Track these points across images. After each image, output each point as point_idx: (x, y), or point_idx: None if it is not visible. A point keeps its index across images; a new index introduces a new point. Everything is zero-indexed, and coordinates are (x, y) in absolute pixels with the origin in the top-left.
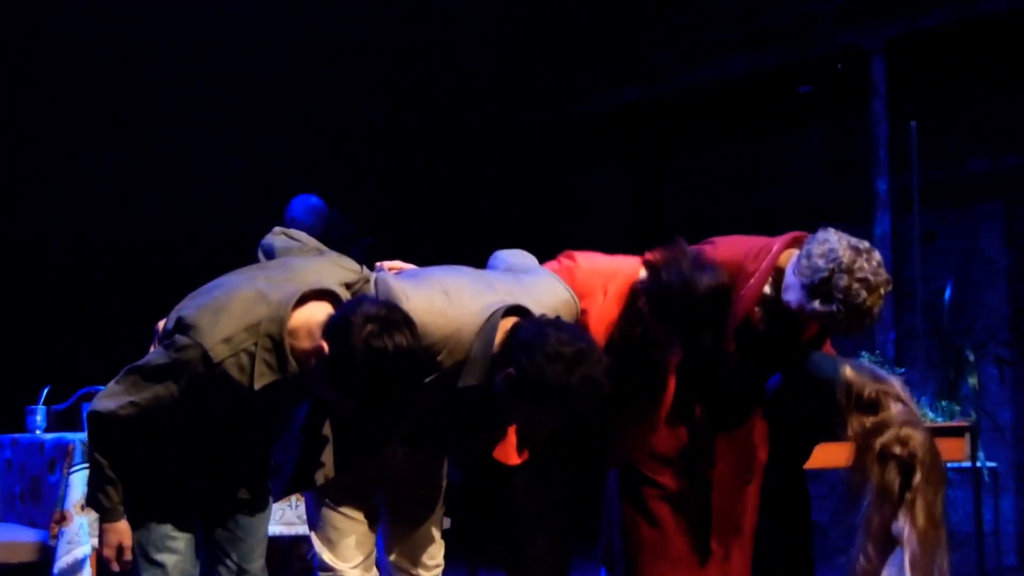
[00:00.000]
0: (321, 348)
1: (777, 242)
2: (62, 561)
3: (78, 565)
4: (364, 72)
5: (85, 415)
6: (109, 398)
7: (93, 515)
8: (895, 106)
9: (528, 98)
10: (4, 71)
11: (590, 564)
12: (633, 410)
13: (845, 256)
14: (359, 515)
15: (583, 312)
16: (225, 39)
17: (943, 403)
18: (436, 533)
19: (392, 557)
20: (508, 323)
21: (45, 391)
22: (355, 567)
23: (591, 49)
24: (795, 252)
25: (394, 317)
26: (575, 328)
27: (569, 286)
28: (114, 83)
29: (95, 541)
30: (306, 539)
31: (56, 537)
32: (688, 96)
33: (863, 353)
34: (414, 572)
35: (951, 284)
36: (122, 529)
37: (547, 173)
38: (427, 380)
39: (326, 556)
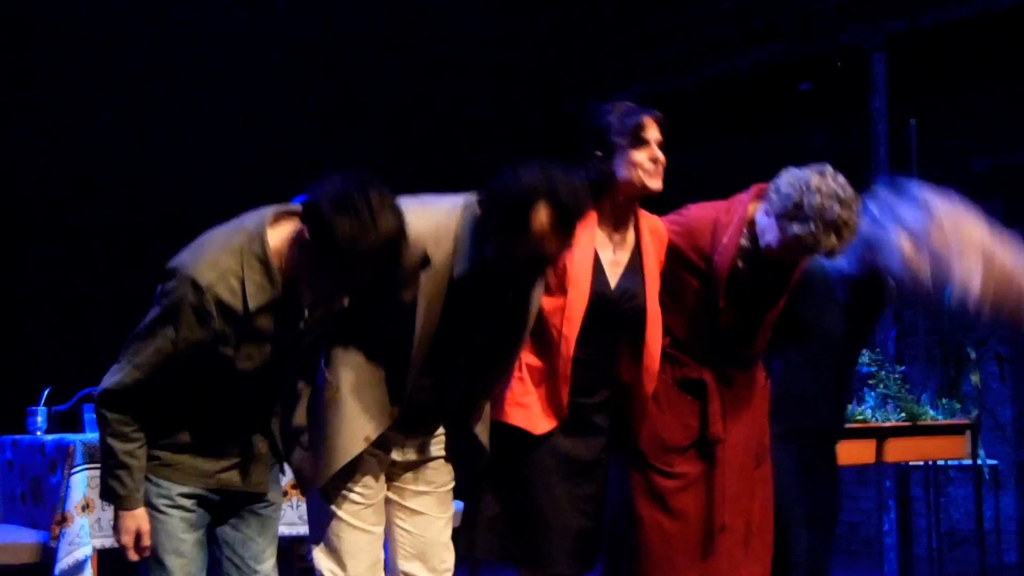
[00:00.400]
0: (301, 234)
1: (745, 194)
2: (63, 562)
3: (79, 566)
4: (362, 75)
5: (95, 396)
6: (113, 374)
7: (95, 516)
8: (895, 104)
9: (529, 96)
10: (5, 71)
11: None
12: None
13: (811, 178)
14: (366, 523)
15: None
16: (229, 38)
17: (944, 401)
18: (446, 536)
19: (401, 562)
20: None
21: (46, 392)
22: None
23: (591, 47)
24: (762, 203)
25: (361, 176)
26: None
27: None
28: (122, 78)
29: (96, 542)
30: (307, 538)
31: (57, 538)
32: (688, 94)
33: (863, 351)
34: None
35: None
36: (140, 515)
37: None
38: (424, 277)
39: (328, 570)
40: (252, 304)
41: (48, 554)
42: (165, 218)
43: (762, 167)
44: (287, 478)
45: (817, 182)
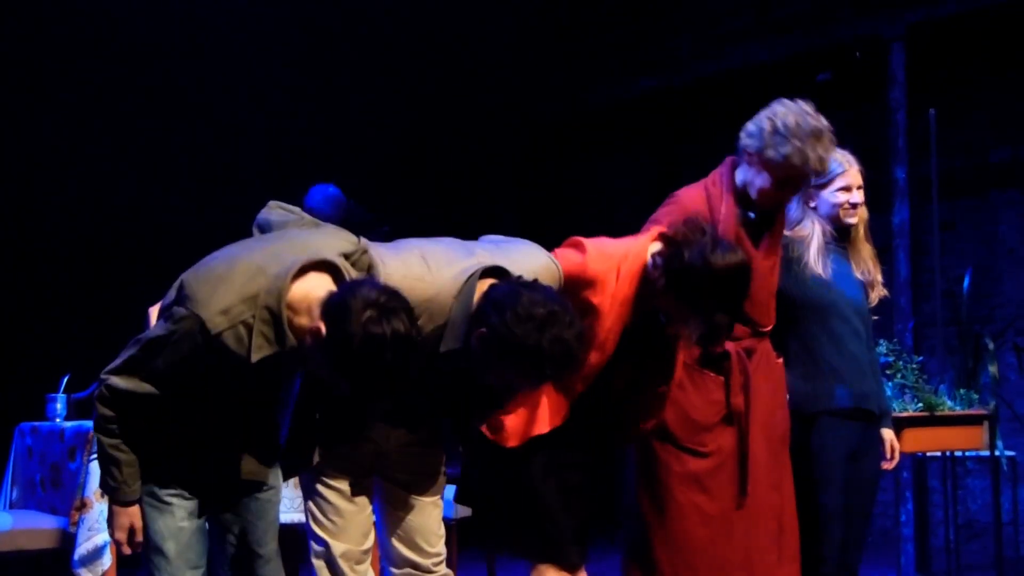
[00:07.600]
0: (318, 329)
1: (722, 166)
2: (82, 548)
3: (98, 552)
4: (382, 64)
5: (99, 384)
6: (111, 375)
7: None
8: (914, 94)
9: (545, 89)
10: (14, 70)
11: (605, 556)
12: (647, 381)
13: (776, 107)
14: (355, 498)
15: (596, 306)
16: (242, 34)
17: (961, 391)
18: (435, 522)
19: (391, 545)
20: (485, 284)
21: (65, 379)
22: (349, 547)
23: (608, 39)
24: (739, 166)
25: (392, 305)
26: (550, 290)
27: (583, 274)
28: (132, 77)
29: None
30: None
31: (76, 524)
32: (706, 85)
33: (880, 341)
34: (414, 559)
35: (970, 273)
36: (133, 512)
37: (565, 164)
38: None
39: (320, 533)
40: (255, 356)
41: (67, 540)
42: (183, 211)
43: None
44: None
45: (783, 107)
